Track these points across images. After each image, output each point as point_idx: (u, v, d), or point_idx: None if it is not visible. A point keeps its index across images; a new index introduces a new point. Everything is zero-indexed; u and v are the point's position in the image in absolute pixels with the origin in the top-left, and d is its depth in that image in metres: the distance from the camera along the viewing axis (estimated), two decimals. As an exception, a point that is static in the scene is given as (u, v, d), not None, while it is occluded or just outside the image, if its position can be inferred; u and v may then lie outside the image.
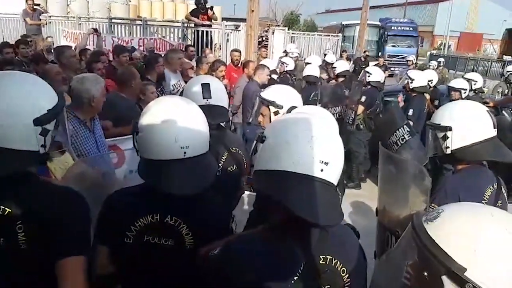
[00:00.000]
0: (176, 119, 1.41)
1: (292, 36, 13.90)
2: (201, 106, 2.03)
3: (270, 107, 2.28)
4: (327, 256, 1.16)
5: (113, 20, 11.10)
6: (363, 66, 9.54)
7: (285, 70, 7.11)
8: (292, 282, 1.10)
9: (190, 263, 1.40)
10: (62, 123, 1.36)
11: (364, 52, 14.32)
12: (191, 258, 1.41)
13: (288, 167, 1.08)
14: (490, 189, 1.84)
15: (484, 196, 1.81)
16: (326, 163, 1.08)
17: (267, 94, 2.34)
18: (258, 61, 7.52)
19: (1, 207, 1.24)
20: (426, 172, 1.81)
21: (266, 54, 9.57)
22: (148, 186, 1.46)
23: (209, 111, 2.07)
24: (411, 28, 23.61)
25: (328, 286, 1.16)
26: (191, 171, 1.43)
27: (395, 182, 2.07)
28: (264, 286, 1.10)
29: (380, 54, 20.06)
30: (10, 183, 1.25)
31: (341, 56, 11.93)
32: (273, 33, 13.12)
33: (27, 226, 1.25)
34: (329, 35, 15.30)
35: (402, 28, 23.39)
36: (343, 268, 1.18)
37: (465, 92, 5.53)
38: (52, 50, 6.79)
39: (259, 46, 10.57)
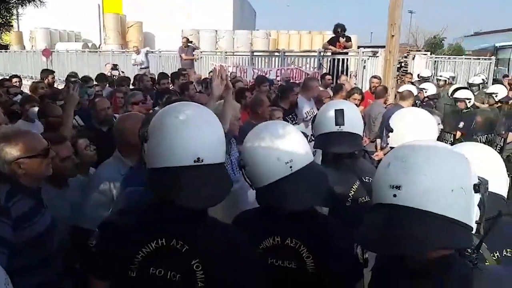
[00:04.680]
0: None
1: (435, 61, 12.95)
2: (333, 133, 2.02)
3: None
4: None
5: (254, 53, 11.90)
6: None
7: (426, 96, 6.71)
8: None
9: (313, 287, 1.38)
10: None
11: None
12: (314, 282, 1.39)
13: None
14: None
15: None
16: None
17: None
18: (397, 87, 7.19)
19: (180, 242, 1.24)
20: None
21: (410, 80, 9.20)
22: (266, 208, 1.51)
23: (342, 139, 2.01)
24: None
25: None
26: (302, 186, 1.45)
27: None
28: None
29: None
30: (190, 219, 1.27)
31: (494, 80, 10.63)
32: (413, 58, 12.42)
33: (205, 264, 1.23)
34: (479, 59, 13.81)
35: None
36: None
37: None
38: (201, 82, 7.56)
39: (398, 73, 10.11)
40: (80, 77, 7.43)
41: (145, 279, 1.24)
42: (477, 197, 1.01)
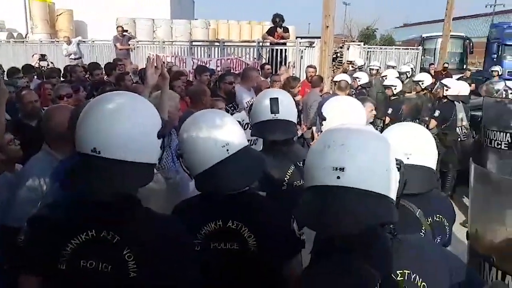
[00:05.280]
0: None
1: (368, 51, 13.56)
2: (268, 121, 2.07)
3: None
4: (405, 271, 1.10)
5: (193, 43, 11.71)
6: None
7: (359, 84, 7.04)
8: None
9: (255, 266, 1.46)
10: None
11: (443, 64, 13.42)
12: (255, 261, 1.47)
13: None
14: None
15: None
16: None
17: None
18: (333, 76, 7.47)
19: (111, 233, 1.22)
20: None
21: (353, 68, 9.49)
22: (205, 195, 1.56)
23: (276, 126, 2.07)
24: None
25: None
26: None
27: (491, 204, 1.90)
28: None
29: (464, 67, 18.38)
30: (122, 210, 1.25)
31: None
32: (348, 48, 12.91)
33: (137, 254, 1.21)
34: (407, 49, 14.67)
35: None
36: (423, 284, 1.10)
37: None
38: (138, 72, 7.33)
39: (333, 62, 10.47)
40: (5, 69, 6.90)
41: (76, 272, 1.22)
42: (397, 175, 1.10)
